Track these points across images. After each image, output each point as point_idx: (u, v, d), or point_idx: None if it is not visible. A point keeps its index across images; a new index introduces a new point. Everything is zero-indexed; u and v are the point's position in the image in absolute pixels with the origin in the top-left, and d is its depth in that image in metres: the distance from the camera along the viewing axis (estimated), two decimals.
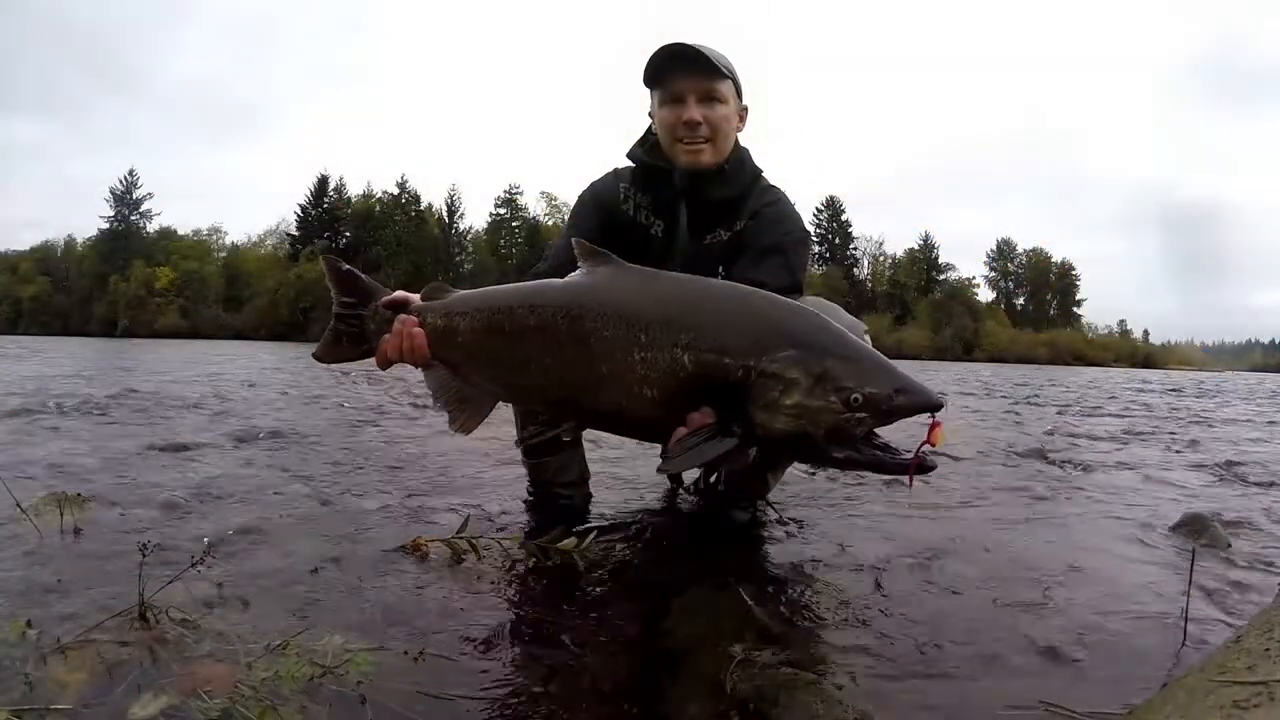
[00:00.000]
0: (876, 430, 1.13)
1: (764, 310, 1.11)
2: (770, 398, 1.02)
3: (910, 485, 1.29)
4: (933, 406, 1.12)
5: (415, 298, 1.41)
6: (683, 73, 1.72)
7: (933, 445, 1.13)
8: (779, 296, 1.18)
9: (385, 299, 1.40)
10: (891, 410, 1.06)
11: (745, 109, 1.85)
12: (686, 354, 1.04)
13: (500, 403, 1.36)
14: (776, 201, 1.86)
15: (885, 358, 1.12)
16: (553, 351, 1.17)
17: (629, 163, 1.90)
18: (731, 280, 1.69)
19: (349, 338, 1.42)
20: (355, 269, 1.43)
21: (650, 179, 1.84)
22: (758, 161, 1.90)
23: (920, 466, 1.14)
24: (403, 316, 1.36)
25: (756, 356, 1.03)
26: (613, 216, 1.87)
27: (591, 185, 1.96)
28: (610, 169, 1.96)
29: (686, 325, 1.06)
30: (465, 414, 1.30)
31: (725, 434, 1.05)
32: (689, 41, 1.73)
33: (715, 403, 1.05)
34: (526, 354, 1.22)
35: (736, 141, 1.84)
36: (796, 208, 1.92)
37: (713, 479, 2.11)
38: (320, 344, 1.45)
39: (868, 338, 1.73)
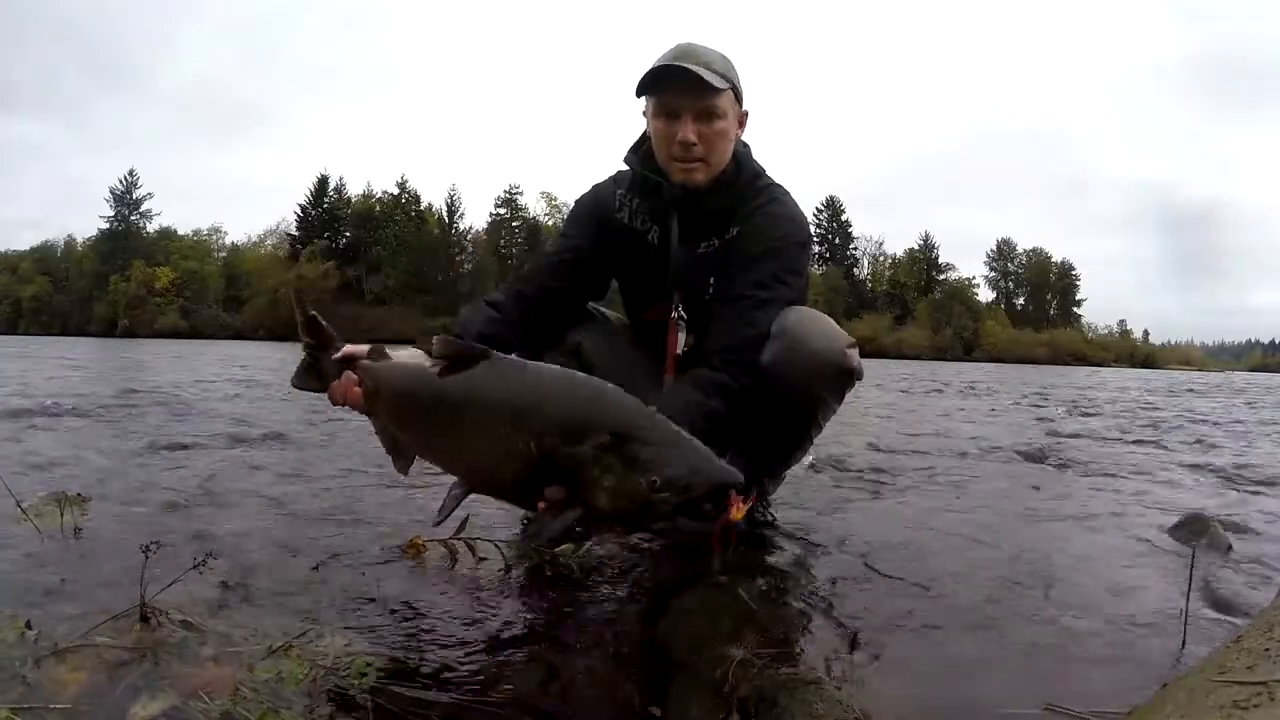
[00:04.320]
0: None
1: (591, 398, 1.25)
2: (593, 477, 1.18)
3: (718, 553, 1.60)
4: (723, 486, 1.23)
5: (363, 351, 1.52)
6: (679, 88, 1.64)
7: (732, 520, 1.42)
8: (605, 384, 1.28)
9: (336, 355, 1.54)
10: (687, 488, 1.17)
11: (745, 114, 1.77)
12: (532, 442, 1.21)
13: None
14: (772, 202, 1.76)
15: (692, 439, 1.23)
16: (438, 434, 1.38)
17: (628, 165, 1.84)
18: (720, 293, 1.72)
19: (313, 373, 1.60)
20: (318, 315, 1.59)
21: (645, 187, 1.80)
22: (759, 158, 1.81)
23: (725, 537, 1.53)
24: (347, 372, 1.49)
25: (581, 442, 1.19)
26: (607, 224, 1.84)
27: (592, 189, 1.93)
28: (615, 171, 1.92)
29: (529, 415, 1.23)
30: (400, 459, 1.47)
31: (570, 508, 1.21)
32: (688, 50, 1.66)
33: (564, 481, 1.21)
34: (420, 430, 1.42)
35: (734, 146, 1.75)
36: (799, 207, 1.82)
37: None
38: (294, 372, 1.63)
39: (855, 350, 1.73)
